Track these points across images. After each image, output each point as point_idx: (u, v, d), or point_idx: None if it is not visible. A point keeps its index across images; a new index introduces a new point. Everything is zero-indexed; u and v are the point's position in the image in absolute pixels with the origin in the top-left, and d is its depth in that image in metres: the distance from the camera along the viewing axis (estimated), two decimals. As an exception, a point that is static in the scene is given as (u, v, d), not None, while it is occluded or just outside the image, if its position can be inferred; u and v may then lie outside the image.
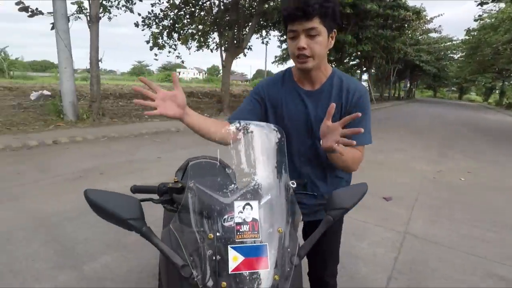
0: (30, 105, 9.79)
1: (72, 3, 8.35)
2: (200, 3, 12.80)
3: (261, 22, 14.16)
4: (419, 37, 30.91)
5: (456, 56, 40.04)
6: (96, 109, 8.02)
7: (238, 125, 0.96)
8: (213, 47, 15.26)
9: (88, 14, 7.83)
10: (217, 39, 14.12)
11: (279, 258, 0.78)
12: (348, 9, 12.81)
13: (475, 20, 22.59)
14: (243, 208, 0.79)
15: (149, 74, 63.85)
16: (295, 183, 1.00)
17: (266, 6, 12.32)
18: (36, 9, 7.89)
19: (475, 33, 26.31)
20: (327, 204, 0.91)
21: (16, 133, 6.09)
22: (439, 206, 3.75)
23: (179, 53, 16.65)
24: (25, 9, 7.77)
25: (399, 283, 2.22)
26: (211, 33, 14.55)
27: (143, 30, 13.05)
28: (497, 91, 47.94)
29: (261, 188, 0.85)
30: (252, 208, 0.79)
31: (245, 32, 12.32)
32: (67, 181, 3.90)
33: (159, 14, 12.82)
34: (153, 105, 0.88)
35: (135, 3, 10.61)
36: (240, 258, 0.73)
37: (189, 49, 14.70)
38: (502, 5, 18.61)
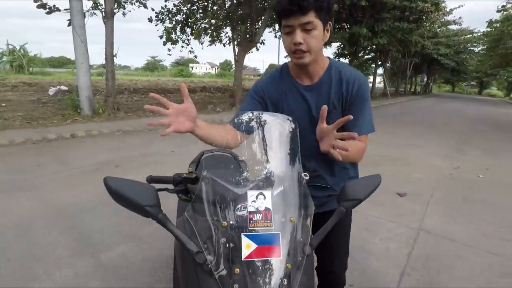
0: (48, 100, 10.10)
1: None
2: (213, -3, 12.80)
3: (274, 16, 14.02)
4: (438, 30, 29.83)
5: (476, 49, 38.52)
6: (111, 104, 8.19)
7: (251, 115, 0.97)
8: (226, 42, 15.28)
9: (103, 10, 7.96)
10: (229, 34, 14.12)
11: (291, 248, 0.78)
12: (364, 1, 12.54)
13: (498, 11, 21.66)
14: (256, 197, 0.80)
15: (162, 69, 64.47)
16: (308, 175, 1.00)
17: (279, -1, 12.17)
18: (54, 6, 8.08)
19: (498, 25, 25.18)
20: (340, 195, 0.91)
21: (36, 127, 6.30)
22: (456, 203, 3.67)
23: (192, 48, 16.75)
24: (43, 6, 7.98)
25: (412, 279, 2.20)
26: (224, 27, 14.53)
27: (156, 25, 13.21)
28: (520, 86, 46.06)
29: (274, 178, 0.86)
30: (265, 197, 0.80)
31: (258, 26, 12.24)
32: (84, 173, 4.01)
33: (172, 9, 12.91)
34: (167, 123, 0.88)
35: (148, -2, 10.71)
36: (253, 246, 0.74)
37: (201, 43, 14.78)
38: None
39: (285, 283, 0.74)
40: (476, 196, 3.92)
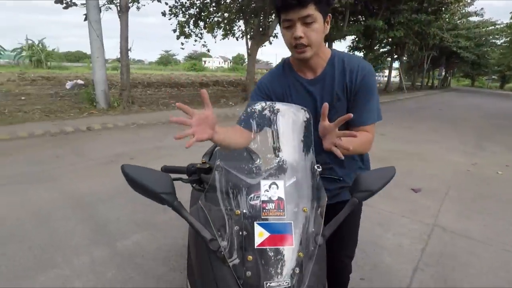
0: (65, 94, 10.37)
1: (103, -6, 8.64)
2: (226, -10, 12.75)
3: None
4: (458, 22, 28.79)
5: (499, 42, 36.93)
6: (126, 98, 8.33)
7: (264, 104, 0.96)
8: (239, 35, 15.23)
9: (118, 4, 8.06)
10: (242, 27, 14.06)
11: (304, 237, 0.79)
12: (380, -7, 12.20)
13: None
14: (269, 187, 0.80)
15: (176, 64, 64.99)
16: (321, 167, 1.00)
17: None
18: (70, 0, 8.25)
19: (522, 16, 24.12)
20: (353, 186, 0.91)
21: (54, 119, 6.49)
22: (472, 200, 3.57)
23: (205, 42, 16.82)
24: (60, 1, 8.16)
25: (426, 275, 2.17)
26: (237, 21, 14.49)
27: (170, 19, 13.29)
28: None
29: (287, 168, 0.86)
30: (278, 187, 0.81)
31: (271, 19, 12.13)
32: (100, 165, 4.12)
33: (185, 2, 12.95)
34: (191, 133, 0.87)
35: (162, -8, 10.76)
36: (266, 234, 0.75)
37: (214, 37, 14.80)
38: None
39: (297, 271, 0.74)
40: (493, 193, 3.80)
